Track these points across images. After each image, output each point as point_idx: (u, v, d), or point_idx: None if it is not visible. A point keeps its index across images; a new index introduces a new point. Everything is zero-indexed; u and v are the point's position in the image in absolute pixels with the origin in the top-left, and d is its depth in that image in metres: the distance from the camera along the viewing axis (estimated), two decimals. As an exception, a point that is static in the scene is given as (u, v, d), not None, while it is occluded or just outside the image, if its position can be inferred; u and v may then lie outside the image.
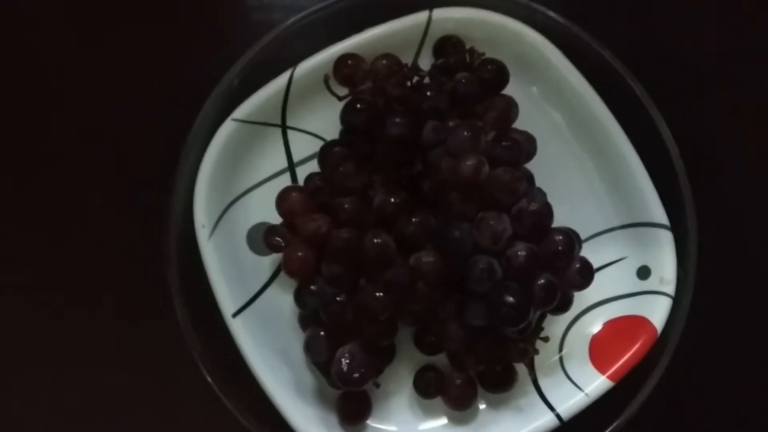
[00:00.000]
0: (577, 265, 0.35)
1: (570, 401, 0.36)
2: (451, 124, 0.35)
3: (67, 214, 0.41)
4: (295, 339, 0.37)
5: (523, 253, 0.33)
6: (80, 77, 0.42)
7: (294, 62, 0.38)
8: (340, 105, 0.37)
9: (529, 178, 0.36)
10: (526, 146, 0.36)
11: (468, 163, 0.33)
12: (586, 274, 0.35)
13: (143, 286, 0.39)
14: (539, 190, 0.37)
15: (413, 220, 0.35)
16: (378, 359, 0.36)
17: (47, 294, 0.41)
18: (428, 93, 0.36)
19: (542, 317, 0.36)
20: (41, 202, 0.41)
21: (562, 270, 0.34)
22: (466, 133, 0.34)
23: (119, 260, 0.41)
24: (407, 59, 0.38)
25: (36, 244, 0.41)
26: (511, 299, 0.33)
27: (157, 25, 0.43)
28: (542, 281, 0.33)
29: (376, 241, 0.34)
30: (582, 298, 0.38)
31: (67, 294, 0.41)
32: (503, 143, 0.35)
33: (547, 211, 0.34)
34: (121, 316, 0.40)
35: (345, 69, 0.37)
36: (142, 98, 0.42)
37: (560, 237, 0.34)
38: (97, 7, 0.43)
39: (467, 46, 0.38)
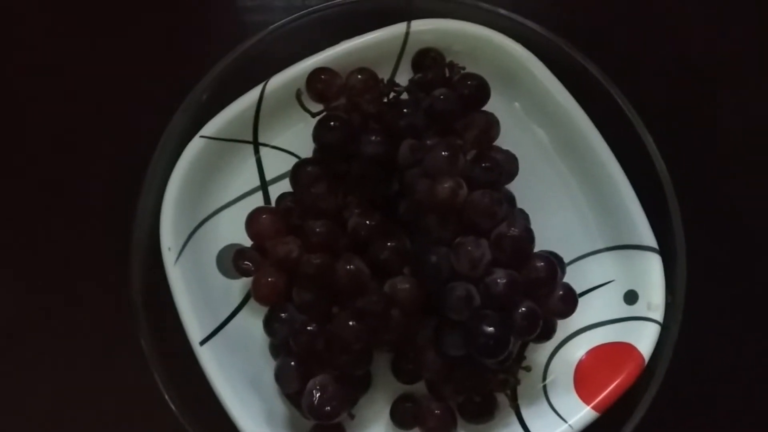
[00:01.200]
0: (560, 292, 0.33)
1: (552, 433, 0.34)
2: (429, 142, 0.34)
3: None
4: (266, 367, 0.36)
5: (503, 280, 0.32)
6: (53, 82, 0.41)
7: (267, 75, 0.36)
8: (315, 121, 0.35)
9: (510, 199, 0.35)
10: (508, 166, 0.35)
11: (445, 185, 0.32)
12: (570, 302, 0.33)
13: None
14: (521, 211, 0.35)
15: (388, 244, 0.33)
16: (352, 389, 0.34)
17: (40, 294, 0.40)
18: (405, 110, 0.34)
19: (524, 345, 0.35)
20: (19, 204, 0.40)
21: (544, 297, 0.33)
22: (443, 153, 0.32)
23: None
24: (386, 73, 0.37)
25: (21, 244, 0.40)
26: (489, 329, 0.31)
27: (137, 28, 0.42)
28: (523, 309, 0.32)
29: (348, 267, 0.33)
30: (567, 324, 0.36)
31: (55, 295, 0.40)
32: (483, 164, 0.33)
33: (527, 236, 0.32)
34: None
35: (318, 84, 0.35)
36: (116, 107, 0.41)
37: (542, 263, 0.32)
38: (74, 11, 0.42)
39: (447, 60, 0.36)
